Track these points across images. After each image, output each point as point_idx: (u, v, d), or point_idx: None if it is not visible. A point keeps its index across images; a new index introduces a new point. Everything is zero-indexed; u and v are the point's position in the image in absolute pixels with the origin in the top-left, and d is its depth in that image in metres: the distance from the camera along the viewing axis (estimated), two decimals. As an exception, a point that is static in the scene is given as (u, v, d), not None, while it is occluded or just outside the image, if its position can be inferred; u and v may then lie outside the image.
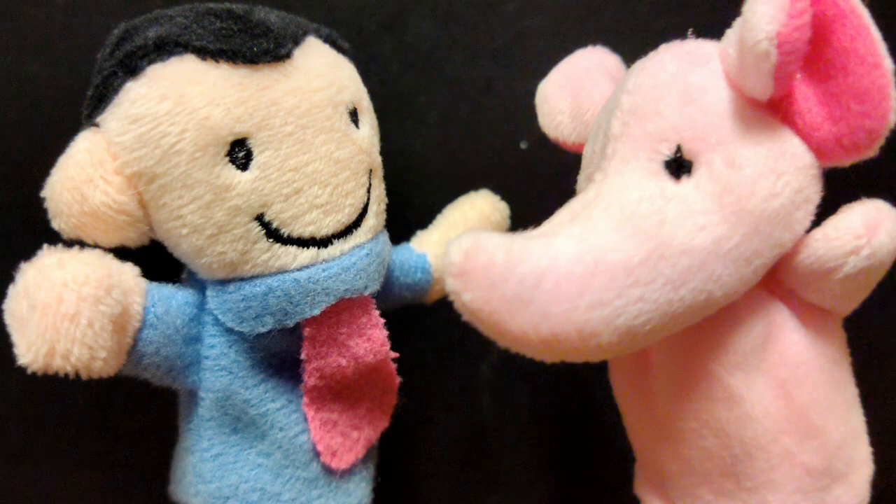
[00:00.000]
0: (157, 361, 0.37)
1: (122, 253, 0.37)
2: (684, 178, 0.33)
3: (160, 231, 0.37)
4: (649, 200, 0.33)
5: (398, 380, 0.43)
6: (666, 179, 0.34)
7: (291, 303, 0.37)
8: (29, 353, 0.32)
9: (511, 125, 0.52)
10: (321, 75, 0.38)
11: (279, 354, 0.40)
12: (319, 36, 0.40)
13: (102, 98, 0.36)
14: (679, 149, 0.33)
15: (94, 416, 0.52)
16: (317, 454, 0.41)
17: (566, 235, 0.33)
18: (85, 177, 0.35)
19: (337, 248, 0.38)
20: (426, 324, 0.54)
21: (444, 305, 0.50)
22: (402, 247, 0.47)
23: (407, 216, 0.49)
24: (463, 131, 0.52)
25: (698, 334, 0.36)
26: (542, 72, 0.51)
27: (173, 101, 0.34)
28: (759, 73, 0.31)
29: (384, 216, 0.42)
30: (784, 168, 0.33)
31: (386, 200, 0.42)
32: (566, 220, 0.34)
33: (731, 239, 0.32)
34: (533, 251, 0.32)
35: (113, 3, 0.46)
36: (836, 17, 0.31)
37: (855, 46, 0.31)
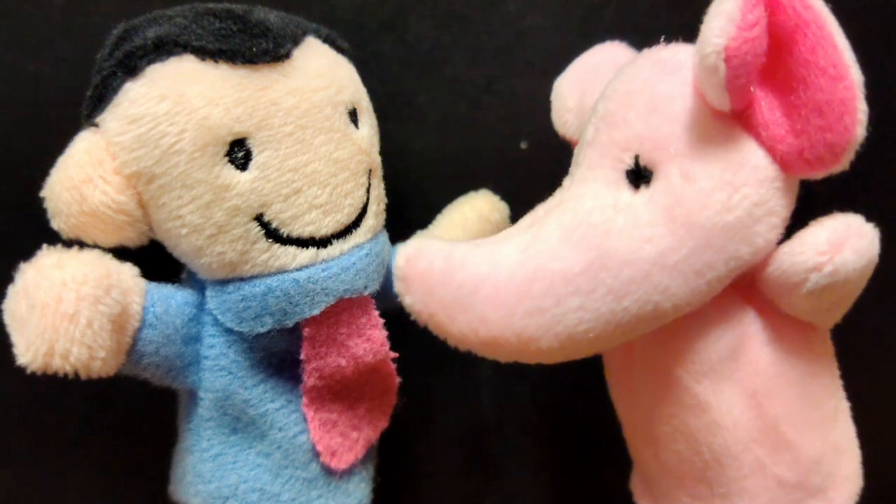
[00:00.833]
0: (157, 361, 0.37)
1: (121, 253, 0.37)
2: (643, 188, 0.33)
3: (159, 231, 0.37)
4: (601, 210, 0.33)
5: (398, 380, 0.43)
6: (625, 189, 0.34)
7: (291, 303, 0.37)
8: (28, 352, 0.32)
9: (511, 125, 0.52)
10: (320, 75, 0.38)
11: (278, 354, 0.40)
12: (319, 36, 0.40)
13: (102, 98, 0.36)
14: (637, 159, 0.34)
15: (94, 416, 0.52)
16: (316, 454, 0.41)
17: (513, 244, 0.34)
18: (84, 177, 0.35)
19: (336, 248, 0.38)
20: (426, 324, 0.54)
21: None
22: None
23: (407, 216, 0.49)
24: (463, 131, 0.52)
25: (669, 341, 0.36)
26: (543, 71, 0.51)
27: (172, 101, 0.34)
28: (712, 86, 0.31)
29: (384, 216, 0.42)
30: (742, 181, 0.32)
31: (385, 200, 0.42)
32: (525, 226, 0.35)
33: (678, 251, 0.32)
34: (475, 259, 0.33)
35: (113, 3, 0.46)
36: (797, 27, 0.30)
37: (816, 58, 0.30)
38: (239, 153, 0.35)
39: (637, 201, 0.33)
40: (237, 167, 0.35)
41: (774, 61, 0.31)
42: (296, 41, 0.38)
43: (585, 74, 0.43)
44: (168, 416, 0.45)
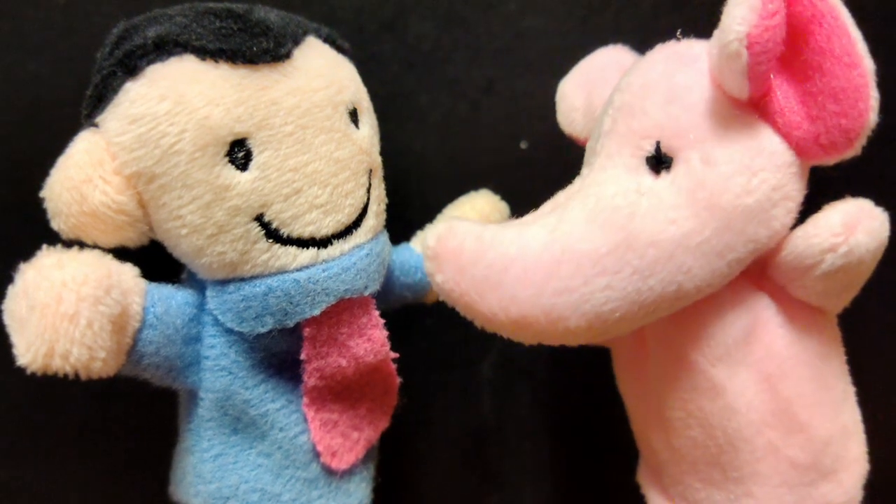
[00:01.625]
0: (157, 361, 0.37)
1: (121, 253, 0.37)
2: (663, 174, 0.35)
3: (160, 231, 0.37)
4: (624, 194, 0.35)
5: (398, 380, 0.43)
6: (645, 175, 0.35)
7: (291, 303, 0.37)
8: (28, 353, 0.32)
9: (511, 125, 0.52)
10: (321, 75, 0.38)
11: (279, 355, 0.40)
12: (319, 36, 0.41)
13: (101, 98, 0.36)
14: (658, 146, 0.35)
15: (94, 416, 0.52)
16: (317, 455, 0.41)
17: (540, 225, 0.35)
18: (84, 177, 0.35)
19: (337, 248, 0.38)
20: (426, 324, 0.55)
21: (444, 306, 0.50)
22: (403, 247, 0.47)
23: (407, 216, 0.49)
24: (463, 131, 0.52)
25: (685, 325, 0.37)
26: (543, 72, 0.51)
27: (172, 101, 0.34)
28: (733, 73, 0.32)
29: (384, 216, 0.42)
30: (761, 166, 0.34)
31: (386, 200, 0.43)
32: (547, 211, 0.36)
33: (701, 233, 0.33)
34: (504, 239, 0.34)
35: (113, 3, 0.46)
36: (814, 17, 0.32)
37: (831, 47, 0.32)
38: (239, 153, 0.35)
39: (659, 185, 0.34)
40: (237, 167, 0.36)
41: (790, 51, 0.33)
42: (296, 41, 0.38)
43: (591, 76, 0.45)
44: (168, 416, 0.45)
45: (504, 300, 0.34)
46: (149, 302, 0.37)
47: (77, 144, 0.35)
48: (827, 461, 0.37)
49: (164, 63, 0.35)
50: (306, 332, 0.38)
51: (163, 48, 0.35)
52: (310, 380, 0.39)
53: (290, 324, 0.37)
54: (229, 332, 0.39)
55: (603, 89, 0.42)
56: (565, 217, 0.35)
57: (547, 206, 0.37)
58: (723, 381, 0.36)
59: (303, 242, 0.37)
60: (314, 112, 0.37)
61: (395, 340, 0.42)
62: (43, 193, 0.36)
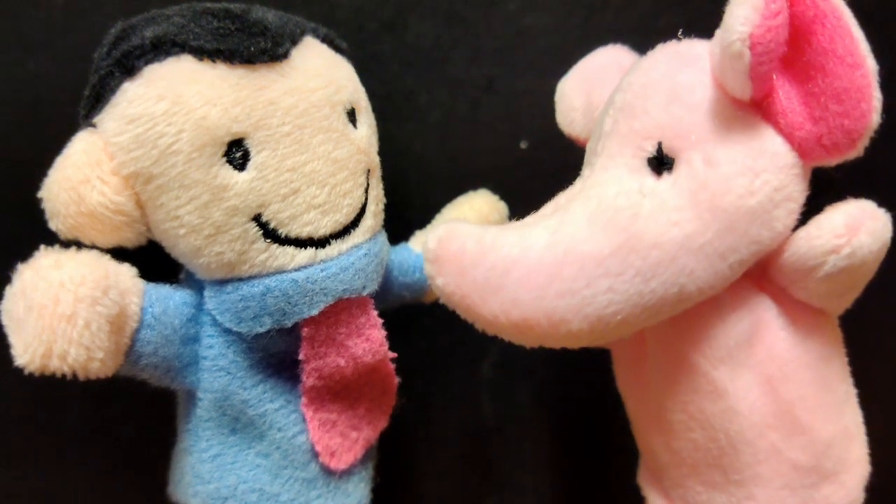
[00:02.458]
0: (155, 362, 0.38)
1: (120, 253, 0.37)
2: (665, 175, 0.35)
3: (157, 231, 0.37)
4: (626, 195, 0.35)
5: (397, 380, 0.43)
6: (647, 176, 0.35)
7: (290, 303, 0.37)
8: (26, 353, 0.32)
9: (512, 125, 0.52)
10: (319, 75, 0.38)
11: (277, 355, 0.40)
12: (317, 35, 0.41)
13: (99, 98, 0.36)
14: (660, 146, 0.35)
15: (94, 416, 0.52)
16: (315, 454, 0.41)
17: (542, 227, 0.35)
18: (82, 177, 0.35)
19: (335, 248, 0.38)
20: (426, 324, 0.54)
21: (444, 305, 0.50)
22: (401, 247, 0.47)
23: (407, 216, 0.49)
24: (463, 131, 0.53)
25: (686, 327, 0.37)
26: (544, 71, 0.51)
27: (170, 102, 0.34)
28: (735, 73, 0.32)
29: (382, 216, 0.42)
30: (763, 167, 0.34)
31: (384, 200, 0.43)
32: (549, 213, 0.36)
33: (703, 235, 0.33)
34: (505, 241, 0.34)
35: (113, 3, 0.46)
36: (816, 17, 0.32)
37: (834, 47, 0.32)
38: (237, 153, 0.36)
39: (661, 186, 0.34)
40: (235, 167, 0.36)
41: (792, 51, 0.33)
42: (294, 41, 0.38)
43: (590, 75, 0.44)
44: (168, 416, 0.45)
45: (506, 303, 0.33)
46: (147, 302, 0.37)
47: (75, 145, 0.35)
48: (829, 463, 0.37)
49: (161, 63, 0.35)
50: (304, 332, 0.38)
51: (160, 48, 0.35)
52: (308, 380, 0.40)
53: (289, 324, 0.37)
54: (227, 332, 0.39)
55: (603, 89, 0.42)
56: (567, 219, 0.35)
57: (548, 208, 0.37)
58: (724, 383, 0.36)
59: (301, 242, 0.37)
60: (312, 112, 0.37)
61: (395, 340, 0.42)
62: (41, 194, 0.36)
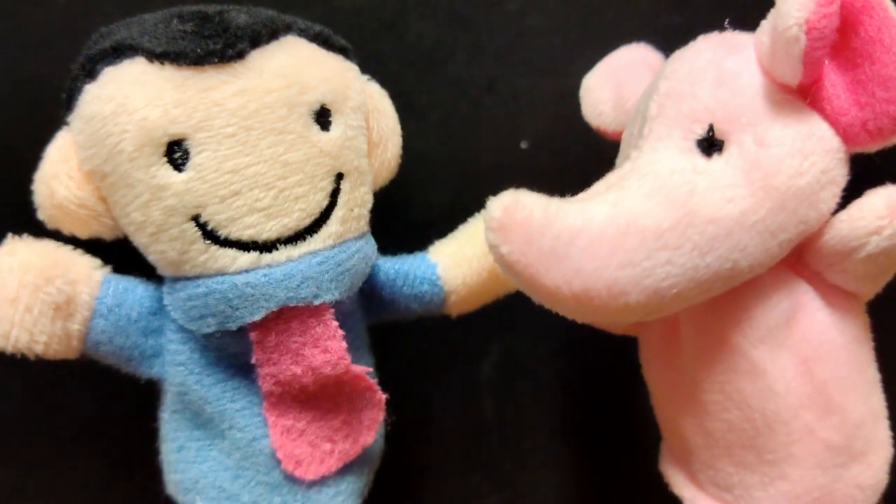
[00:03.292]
0: (112, 350, 0.39)
1: (119, 248, 0.39)
2: (715, 156, 0.36)
3: (119, 226, 0.38)
4: (681, 173, 0.36)
5: (382, 395, 0.41)
6: (697, 156, 0.36)
7: (230, 306, 0.37)
8: None
9: (512, 125, 0.53)
10: (281, 75, 0.37)
11: (238, 356, 0.40)
12: (304, 34, 0.40)
13: (70, 99, 0.38)
14: (711, 128, 0.36)
15: (94, 416, 0.52)
16: (279, 461, 0.40)
17: (600, 201, 0.35)
18: (53, 172, 0.37)
19: (283, 253, 0.38)
20: (426, 324, 0.54)
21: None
22: (417, 256, 0.46)
23: (407, 216, 0.49)
24: (464, 131, 0.53)
25: (725, 308, 0.38)
26: (544, 71, 0.51)
27: (117, 103, 0.35)
28: (790, 58, 0.34)
29: (359, 223, 0.41)
30: (811, 149, 0.35)
31: (367, 205, 0.42)
32: (602, 190, 0.37)
33: (756, 212, 0.35)
34: (569, 212, 0.34)
35: (113, 3, 0.45)
36: (864, 8, 0.34)
37: (881, 37, 0.33)
38: (177, 154, 0.36)
39: (714, 166, 0.36)
40: (175, 168, 0.36)
41: (838, 41, 0.35)
42: (256, 41, 0.37)
43: (618, 71, 0.46)
44: (167, 416, 0.44)
45: (568, 273, 0.34)
46: (102, 293, 0.39)
47: (54, 142, 0.38)
48: (858, 443, 0.39)
49: (116, 66, 0.36)
50: (252, 336, 0.38)
51: (119, 51, 0.36)
52: (264, 384, 0.39)
53: (233, 327, 0.37)
54: (184, 328, 0.39)
55: (634, 83, 0.44)
56: (625, 194, 0.36)
57: (600, 186, 0.38)
58: (764, 362, 0.38)
59: (243, 245, 0.37)
60: (263, 113, 0.37)
61: (396, 341, 0.41)
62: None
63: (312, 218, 0.38)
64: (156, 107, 0.35)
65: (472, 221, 0.47)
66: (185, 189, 0.36)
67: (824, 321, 0.38)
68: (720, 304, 0.38)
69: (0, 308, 0.35)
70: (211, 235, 0.36)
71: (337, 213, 0.39)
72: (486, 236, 0.35)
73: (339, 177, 0.39)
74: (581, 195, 0.37)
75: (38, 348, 0.36)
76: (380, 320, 0.46)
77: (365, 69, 0.43)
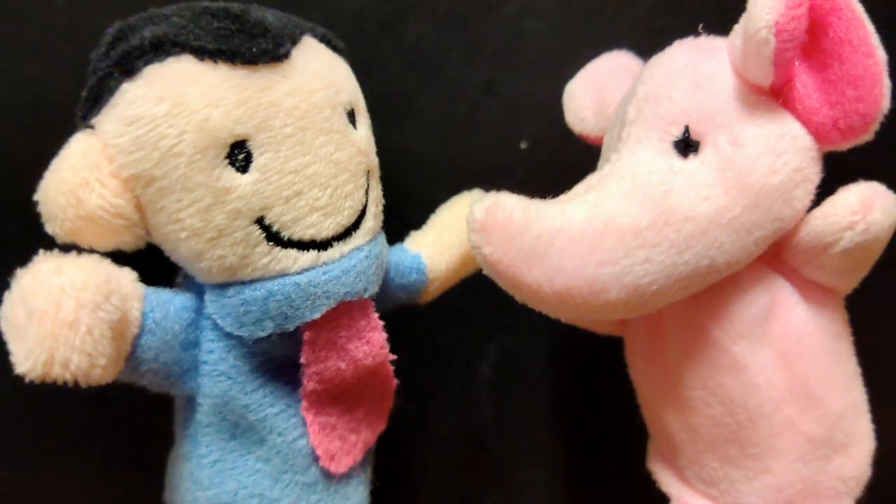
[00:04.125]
0: (156, 367, 0.37)
1: (115, 257, 0.37)
2: (691, 156, 0.37)
3: (157, 235, 0.37)
4: (658, 173, 0.37)
5: (395, 382, 0.43)
6: (674, 157, 0.37)
7: (292, 307, 0.37)
8: (27, 361, 0.32)
9: (511, 126, 0.53)
10: (319, 76, 0.38)
11: (277, 359, 0.40)
12: (315, 36, 0.40)
13: (98, 99, 0.35)
14: (687, 130, 0.37)
15: (94, 416, 0.52)
16: (315, 458, 0.41)
17: (580, 202, 0.37)
18: (80, 180, 0.34)
19: (336, 250, 0.38)
20: (426, 324, 0.55)
21: (444, 306, 0.51)
22: (397, 247, 0.47)
23: (406, 216, 0.49)
24: (463, 132, 0.53)
25: (706, 305, 0.39)
26: (542, 73, 0.51)
27: (171, 103, 0.34)
28: (761, 60, 0.35)
29: (381, 218, 0.43)
30: (784, 148, 0.36)
31: (383, 202, 0.43)
32: (582, 191, 0.38)
33: (732, 210, 0.36)
34: (549, 212, 0.36)
35: (113, 4, 0.45)
36: (832, 10, 0.35)
37: (849, 37, 0.34)
38: (239, 155, 0.35)
39: (690, 166, 0.37)
40: (238, 169, 0.36)
41: (808, 42, 0.36)
42: (294, 41, 0.38)
43: (599, 77, 0.47)
44: (167, 418, 0.45)
45: (549, 271, 0.35)
46: (147, 307, 0.37)
47: (72, 147, 0.35)
48: (840, 436, 0.39)
49: (161, 63, 0.35)
50: (306, 335, 0.38)
51: (160, 48, 0.35)
52: (309, 384, 0.40)
53: (291, 328, 0.38)
54: (228, 336, 0.39)
55: (614, 89, 0.45)
56: (604, 195, 0.37)
57: (580, 188, 0.39)
58: (744, 357, 0.38)
59: (303, 245, 0.37)
60: (313, 113, 0.37)
61: (394, 341, 0.42)
62: (37, 197, 0.35)
63: (357, 215, 0.39)
64: (217, 107, 0.34)
65: (440, 212, 0.49)
66: (252, 191, 0.35)
67: (802, 316, 0.39)
68: (703, 301, 0.39)
69: (58, 333, 0.31)
70: (274, 237, 0.36)
71: (370, 209, 0.40)
72: (469, 237, 0.36)
73: (368, 174, 0.41)
74: (562, 196, 0.38)
75: (97, 373, 0.33)
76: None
77: (363, 71, 0.43)
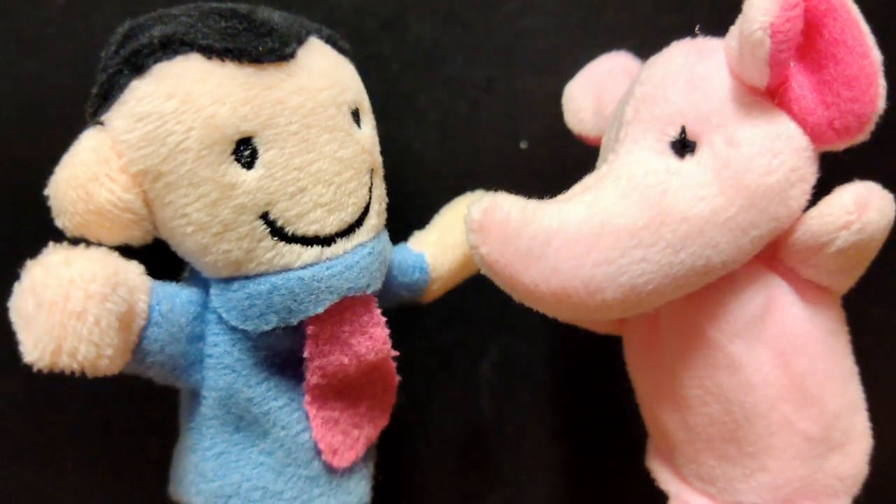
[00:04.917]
0: (162, 360, 0.38)
1: (123, 251, 0.37)
2: (687, 157, 0.38)
3: (164, 229, 0.38)
4: (654, 174, 0.37)
5: (398, 378, 0.44)
6: (671, 157, 0.38)
7: (296, 301, 0.38)
8: (35, 350, 0.33)
9: (511, 125, 0.53)
10: (324, 75, 0.39)
11: (282, 353, 0.41)
12: (321, 36, 0.41)
13: (107, 96, 0.36)
14: (684, 130, 0.38)
15: (94, 415, 0.52)
16: (318, 453, 0.42)
17: (577, 202, 0.37)
18: (90, 175, 0.35)
19: (340, 246, 0.39)
20: (426, 323, 0.55)
21: (444, 305, 0.51)
22: (400, 247, 0.48)
23: (407, 216, 0.50)
24: (463, 131, 0.54)
25: (702, 304, 0.40)
26: (543, 71, 0.51)
27: (179, 100, 0.35)
28: (756, 61, 0.35)
29: (385, 215, 0.43)
30: (780, 148, 0.37)
31: (386, 200, 0.44)
32: (579, 191, 0.39)
33: (728, 210, 0.36)
34: (546, 213, 0.36)
35: (112, 3, 0.46)
36: (828, 11, 0.35)
37: (844, 38, 0.35)
38: (245, 151, 0.36)
39: (686, 166, 0.37)
40: (243, 165, 0.36)
41: (804, 43, 0.36)
42: (300, 41, 0.39)
43: (598, 78, 0.48)
44: (168, 416, 0.46)
45: (546, 271, 0.35)
46: (154, 300, 0.37)
47: (83, 142, 0.36)
48: (836, 434, 0.40)
49: (170, 61, 0.35)
50: (309, 330, 0.39)
51: (169, 47, 0.36)
52: (312, 378, 0.40)
53: (294, 322, 0.38)
54: (233, 330, 0.39)
55: (613, 90, 0.45)
56: (600, 195, 0.37)
57: (577, 188, 0.39)
58: (741, 356, 0.39)
59: (307, 240, 0.38)
60: (318, 111, 0.38)
61: (395, 340, 0.42)
62: (47, 192, 0.36)
63: (360, 211, 0.40)
64: (223, 104, 0.35)
65: (443, 212, 0.50)
66: (257, 187, 0.36)
67: (799, 315, 0.39)
68: (699, 301, 0.39)
69: (66, 323, 0.32)
70: (278, 232, 0.37)
71: (374, 206, 0.41)
72: (468, 237, 0.37)
73: (372, 172, 0.41)
74: (559, 197, 0.39)
75: (103, 363, 0.34)
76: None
77: (364, 69, 0.44)
